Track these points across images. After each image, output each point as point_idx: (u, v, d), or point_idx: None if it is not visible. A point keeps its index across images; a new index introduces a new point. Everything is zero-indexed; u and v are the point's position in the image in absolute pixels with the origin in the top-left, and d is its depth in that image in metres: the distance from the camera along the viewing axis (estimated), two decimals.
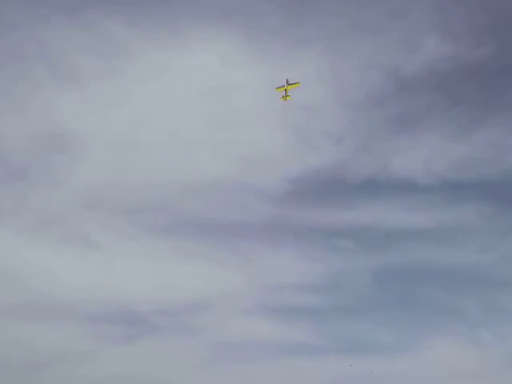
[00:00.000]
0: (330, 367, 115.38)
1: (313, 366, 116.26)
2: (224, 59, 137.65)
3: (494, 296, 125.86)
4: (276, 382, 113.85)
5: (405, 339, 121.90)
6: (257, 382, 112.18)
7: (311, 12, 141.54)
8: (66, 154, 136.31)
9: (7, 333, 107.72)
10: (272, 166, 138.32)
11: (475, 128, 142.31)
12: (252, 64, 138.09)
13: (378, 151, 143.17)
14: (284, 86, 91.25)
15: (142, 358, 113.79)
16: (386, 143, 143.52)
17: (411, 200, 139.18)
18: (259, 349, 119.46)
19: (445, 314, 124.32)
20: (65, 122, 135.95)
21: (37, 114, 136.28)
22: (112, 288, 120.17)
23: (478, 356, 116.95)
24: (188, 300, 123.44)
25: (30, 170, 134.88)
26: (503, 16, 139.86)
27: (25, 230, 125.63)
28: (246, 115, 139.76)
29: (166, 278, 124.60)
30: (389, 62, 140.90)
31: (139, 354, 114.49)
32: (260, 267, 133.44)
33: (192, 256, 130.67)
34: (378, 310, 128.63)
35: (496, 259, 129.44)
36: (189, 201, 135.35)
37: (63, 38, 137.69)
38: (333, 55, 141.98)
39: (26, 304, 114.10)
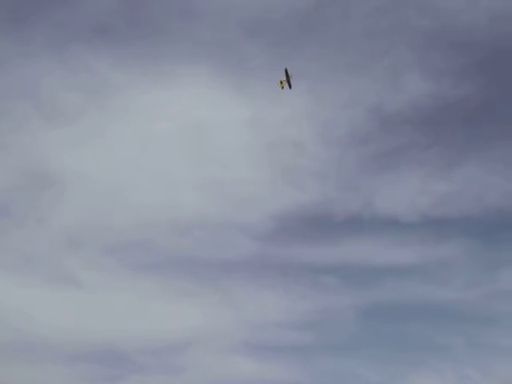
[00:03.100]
0: None
1: None
2: (208, 97, 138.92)
3: (479, 332, 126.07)
4: None
5: (391, 377, 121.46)
6: None
7: (294, 53, 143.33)
8: (50, 192, 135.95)
9: None
10: (257, 204, 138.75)
11: (457, 165, 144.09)
12: (236, 102, 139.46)
13: (362, 188, 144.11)
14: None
15: None
16: (369, 180, 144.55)
17: (395, 237, 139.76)
18: None
19: (429, 350, 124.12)
20: (48, 159, 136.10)
21: (19, 152, 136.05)
22: (95, 327, 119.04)
23: None
24: (172, 339, 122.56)
25: (12, 208, 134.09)
26: (484, 55, 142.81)
27: (6, 268, 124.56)
28: (230, 153, 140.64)
29: (150, 317, 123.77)
30: (371, 100, 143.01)
31: None
32: (244, 305, 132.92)
33: (176, 294, 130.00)
34: (363, 347, 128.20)
35: (480, 295, 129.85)
36: (173, 239, 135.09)
37: (48, 74, 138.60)
38: (316, 94, 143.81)
39: (6, 344, 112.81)
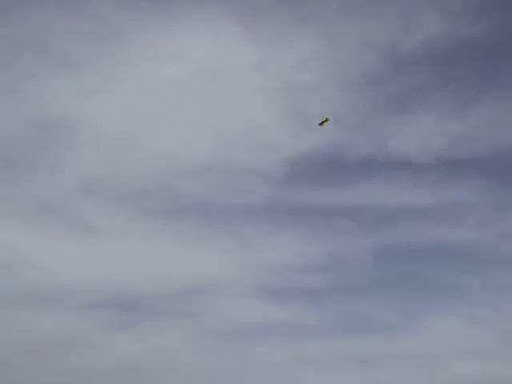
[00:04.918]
0: (331, 348, 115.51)
1: (313, 347, 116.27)
2: (217, 40, 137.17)
3: (492, 273, 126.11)
4: (276, 364, 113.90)
5: (405, 318, 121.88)
6: (256, 365, 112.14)
7: None
8: (62, 141, 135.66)
9: (4, 323, 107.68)
10: (269, 148, 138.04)
11: (471, 105, 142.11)
12: (245, 46, 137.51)
13: (375, 131, 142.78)
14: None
15: (141, 344, 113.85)
16: (382, 122, 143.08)
17: (409, 178, 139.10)
18: (259, 331, 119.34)
19: (445, 291, 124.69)
20: (59, 107, 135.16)
21: (29, 101, 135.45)
22: (109, 274, 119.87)
23: (479, 333, 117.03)
24: (186, 284, 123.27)
25: (25, 158, 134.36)
26: None
27: (21, 217, 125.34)
28: (243, 97, 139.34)
29: (164, 263, 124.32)
30: (384, 40, 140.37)
31: (137, 339, 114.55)
32: (259, 249, 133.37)
33: (189, 240, 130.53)
34: (377, 289, 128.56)
35: (494, 236, 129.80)
36: (187, 185, 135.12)
37: (53, 21, 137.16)
38: (327, 35, 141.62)
39: (21, 292, 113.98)
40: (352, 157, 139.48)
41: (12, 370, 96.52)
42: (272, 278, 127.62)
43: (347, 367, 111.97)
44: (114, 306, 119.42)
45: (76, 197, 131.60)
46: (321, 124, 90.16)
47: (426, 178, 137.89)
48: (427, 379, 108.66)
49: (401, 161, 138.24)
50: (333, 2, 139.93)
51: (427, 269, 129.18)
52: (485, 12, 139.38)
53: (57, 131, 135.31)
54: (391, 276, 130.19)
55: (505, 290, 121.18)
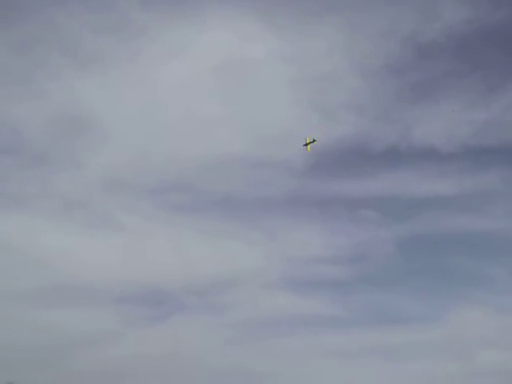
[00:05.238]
0: (357, 339, 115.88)
1: (339, 338, 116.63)
2: (238, 34, 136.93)
3: None
4: (303, 355, 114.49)
5: (431, 309, 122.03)
6: (284, 356, 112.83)
7: None
8: (88, 137, 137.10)
9: (34, 317, 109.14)
10: (292, 139, 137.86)
11: (496, 92, 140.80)
12: (266, 38, 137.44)
13: (399, 120, 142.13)
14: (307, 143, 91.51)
15: (170, 338, 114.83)
16: (406, 111, 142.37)
17: (434, 167, 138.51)
18: (285, 323, 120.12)
19: (471, 281, 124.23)
20: (85, 105, 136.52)
21: (57, 99, 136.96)
22: (137, 268, 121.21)
23: (505, 323, 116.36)
24: (213, 278, 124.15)
25: (52, 155, 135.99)
26: None
27: (49, 213, 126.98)
28: (266, 89, 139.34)
29: (191, 257, 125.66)
30: (407, 29, 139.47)
31: (166, 333, 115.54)
32: (283, 241, 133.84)
33: (216, 233, 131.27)
34: (403, 280, 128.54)
35: None
36: (210, 179, 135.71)
37: (79, 20, 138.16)
38: (350, 25, 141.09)
39: (52, 288, 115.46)
40: (376, 146, 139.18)
41: (39, 363, 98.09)
42: (298, 269, 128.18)
43: (373, 358, 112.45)
44: (143, 300, 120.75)
45: (102, 193, 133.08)
46: (306, 145, 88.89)
47: (452, 167, 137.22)
48: (453, 369, 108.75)
49: (425, 150, 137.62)
50: None
51: (453, 259, 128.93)
52: None
53: (83, 129, 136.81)
54: (416, 266, 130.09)
55: None
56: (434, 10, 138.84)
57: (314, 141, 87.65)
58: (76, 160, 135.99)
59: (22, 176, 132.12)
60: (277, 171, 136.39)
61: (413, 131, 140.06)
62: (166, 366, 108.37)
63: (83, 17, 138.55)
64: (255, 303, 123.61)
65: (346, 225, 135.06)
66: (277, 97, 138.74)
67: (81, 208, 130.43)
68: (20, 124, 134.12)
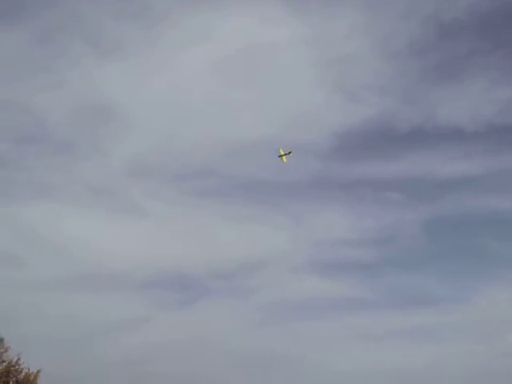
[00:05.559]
0: (383, 321, 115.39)
1: (366, 320, 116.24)
2: (261, 19, 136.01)
3: None
4: (330, 338, 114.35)
5: (459, 290, 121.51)
6: (311, 339, 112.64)
7: None
8: (111, 124, 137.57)
9: (61, 304, 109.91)
10: (316, 122, 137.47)
11: None
12: (289, 22, 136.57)
13: (423, 100, 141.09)
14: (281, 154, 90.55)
15: (196, 322, 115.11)
16: (430, 92, 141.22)
17: (459, 148, 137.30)
18: (312, 306, 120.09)
19: (499, 262, 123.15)
20: (107, 92, 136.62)
21: (80, 87, 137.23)
22: (163, 254, 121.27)
23: None
24: (239, 262, 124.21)
25: (76, 143, 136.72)
26: None
27: (74, 201, 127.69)
28: (287, 73, 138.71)
29: (217, 241, 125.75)
30: (428, 9, 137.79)
31: (193, 318, 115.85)
32: (309, 224, 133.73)
33: (241, 218, 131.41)
34: (429, 261, 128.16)
35: None
36: (234, 163, 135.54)
37: (102, 8, 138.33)
38: (371, 7, 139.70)
39: (78, 275, 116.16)
40: (400, 128, 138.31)
41: (67, 351, 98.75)
42: (324, 253, 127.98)
43: (400, 340, 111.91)
44: (169, 286, 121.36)
45: (127, 180, 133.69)
46: (280, 156, 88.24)
47: (477, 147, 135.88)
48: (482, 350, 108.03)
49: (450, 130, 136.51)
50: None
51: (480, 239, 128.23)
52: None
53: (106, 116, 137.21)
54: (443, 248, 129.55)
55: None
56: None
57: (289, 152, 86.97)
58: (100, 147, 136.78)
59: (46, 165, 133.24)
60: (301, 154, 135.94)
61: (437, 111, 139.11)
62: (193, 350, 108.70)
63: (104, 4, 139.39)
64: (281, 287, 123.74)
65: (371, 207, 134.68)
66: (300, 80, 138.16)
67: (106, 195, 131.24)
68: (44, 113, 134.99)
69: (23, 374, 50.35)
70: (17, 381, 50.14)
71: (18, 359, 50.49)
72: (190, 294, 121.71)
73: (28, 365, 51.28)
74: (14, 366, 50.23)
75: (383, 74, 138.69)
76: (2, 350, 50.18)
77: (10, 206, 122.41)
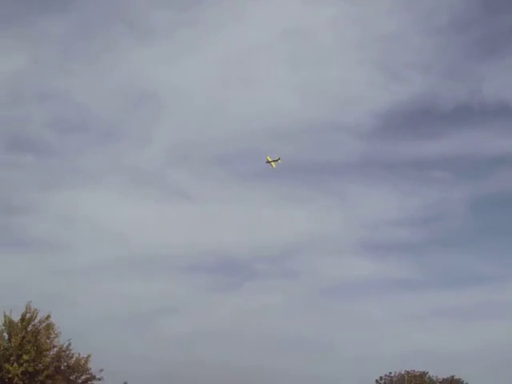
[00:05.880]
0: (431, 301, 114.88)
1: (414, 300, 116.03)
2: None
3: None
4: (378, 319, 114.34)
5: (507, 269, 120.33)
6: (360, 321, 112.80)
7: None
8: (151, 110, 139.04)
9: (110, 287, 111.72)
10: (359, 102, 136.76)
11: None
12: (330, 1, 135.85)
13: (468, 77, 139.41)
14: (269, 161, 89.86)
15: (244, 305, 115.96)
16: (475, 68, 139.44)
17: (507, 124, 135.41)
18: (359, 287, 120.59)
19: None
20: (144, 78, 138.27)
21: (116, 74, 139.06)
22: (210, 237, 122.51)
23: None
24: (285, 244, 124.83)
25: (121, 130, 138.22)
26: None
27: (120, 187, 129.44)
28: (329, 52, 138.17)
29: (262, 224, 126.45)
30: None
31: (239, 300, 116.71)
32: (354, 205, 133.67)
33: (286, 200, 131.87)
34: (477, 240, 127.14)
35: None
36: (278, 145, 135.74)
37: None
38: None
39: (127, 259, 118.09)
40: (445, 105, 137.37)
41: (120, 332, 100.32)
42: (370, 233, 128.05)
43: (448, 320, 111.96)
44: (215, 269, 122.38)
45: (171, 165, 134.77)
46: (269, 162, 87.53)
47: None
48: None
49: (497, 106, 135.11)
50: None
51: None
52: None
53: (145, 102, 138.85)
54: (491, 226, 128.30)
55: None
56: None
57: (278, 159, 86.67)
58: (141, 134, 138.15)
59: (92, 152, 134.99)
60: (345, 135, 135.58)
61: (482, 88, 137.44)
62: (239, 332, 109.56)
63: None
64: (328, 268, 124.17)
65: (417, 186, 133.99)
66: (342, 60, 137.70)
67: (151, 181, 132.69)
68: (88, 101, 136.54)
69: (74, 358, 51.19)
70: (68, 365, 51.02)
71: (69, 344, 51.35)
72: (237, 277, 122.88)
73: (82, 347, 52.29)
74: (64, 351, 51.08)
75: (425, 51, 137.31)
76: (53, 336, 51.00)
77: (60, 195, 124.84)
